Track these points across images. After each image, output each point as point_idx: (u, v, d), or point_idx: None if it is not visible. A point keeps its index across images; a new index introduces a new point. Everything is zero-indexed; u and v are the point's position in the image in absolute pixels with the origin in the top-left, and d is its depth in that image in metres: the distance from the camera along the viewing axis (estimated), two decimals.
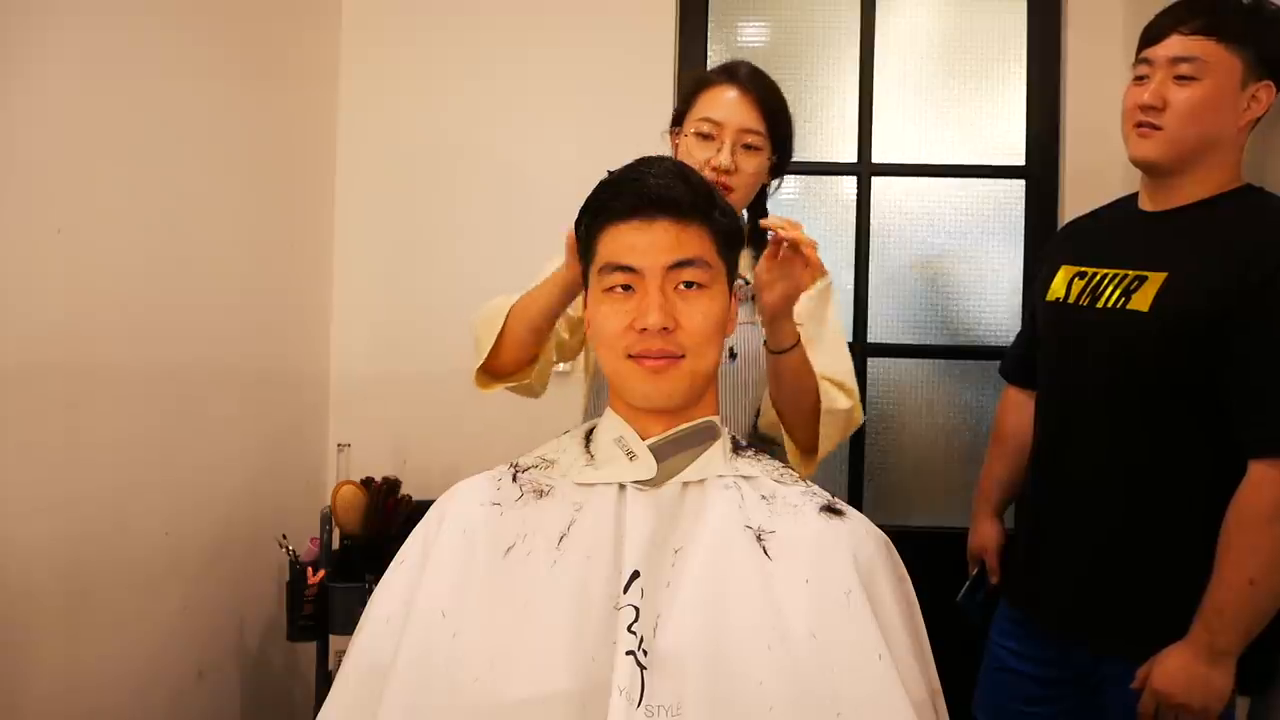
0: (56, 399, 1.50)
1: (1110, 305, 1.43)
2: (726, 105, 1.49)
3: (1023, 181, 2.33)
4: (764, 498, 1.05)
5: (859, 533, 1.03)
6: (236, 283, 1.97)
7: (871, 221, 2.32)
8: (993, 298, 2.34)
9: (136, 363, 1.68)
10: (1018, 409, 1.73)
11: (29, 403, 1.45)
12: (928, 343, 2.34)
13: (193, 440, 1.84)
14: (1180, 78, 1.38)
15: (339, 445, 2.15)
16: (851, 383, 1.47)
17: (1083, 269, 1.52)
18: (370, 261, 2.36)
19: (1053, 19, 2.29)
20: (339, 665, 1.07)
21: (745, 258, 1.54)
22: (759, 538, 1.00)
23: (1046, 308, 1.58)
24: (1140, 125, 1.42)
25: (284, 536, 1.94)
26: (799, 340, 1.35)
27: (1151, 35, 1.43)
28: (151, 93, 1.70)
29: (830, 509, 1.04)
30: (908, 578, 1.07)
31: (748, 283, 1.51)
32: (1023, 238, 2.31)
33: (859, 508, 1.12)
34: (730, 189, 1.48)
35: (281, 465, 2.18)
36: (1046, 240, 2.28)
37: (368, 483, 2.02)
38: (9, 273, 1.40)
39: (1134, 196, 1.55)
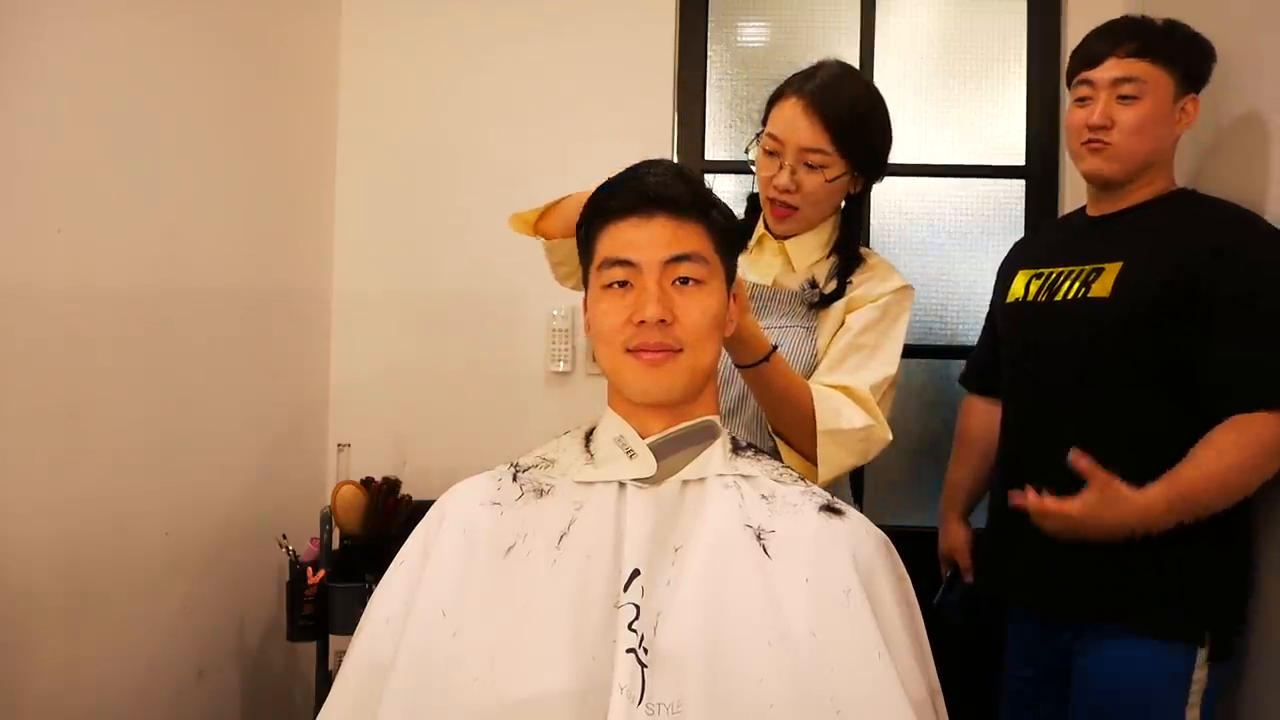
0: (56, 400, 1.50)
1: (1071, 297, 1.53)
2: (787, 122, 1.43)
3: (1023, 181, 2.33)
4: (764, 497, 1.05)
5: (858, 532, 1.03)
6: (237, 282, 1.97)
7: (871, 222, 2.32)
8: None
9: (137, 363, 1.68)
10: (979, 414, 1.84)
11: (29, 403, 1.44)
12: (928, 343, 2.34)
13: (193, 440, 1.84)
14: (1123, 97, 1.50)
15: (339, 445, 2.15)
16: (873, 398, 1.39)
17: (1039, 270, 1.62)
18: (370, 261, 2.36)
19: (1053, 19, 2.29)
20: (339, 665, 1.07)
21: (826, 265, 1.51)
22: (759, 537, 1.00)
23: (1007, 310, 1.67)
24: (1090, 142, 1.53)
25: (284, 536, 1.94)
26: (768, 356, 1.30)
27: (1089, 58, 1.54)
28: (152, 93, 1.70)
29: (830, 508, 1.05)
30: (907, 577, 1.07)
31: (815, 286, 1.50)
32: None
33: (859, 508, 1.12)
34: (793, 206, 1.45)
35: (281, 465, 2.18)
36: None
37: (368, 483, 2.02)
38: (9, 273, 1.40)
39: (1079, 210, 1.68)
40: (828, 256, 1.52)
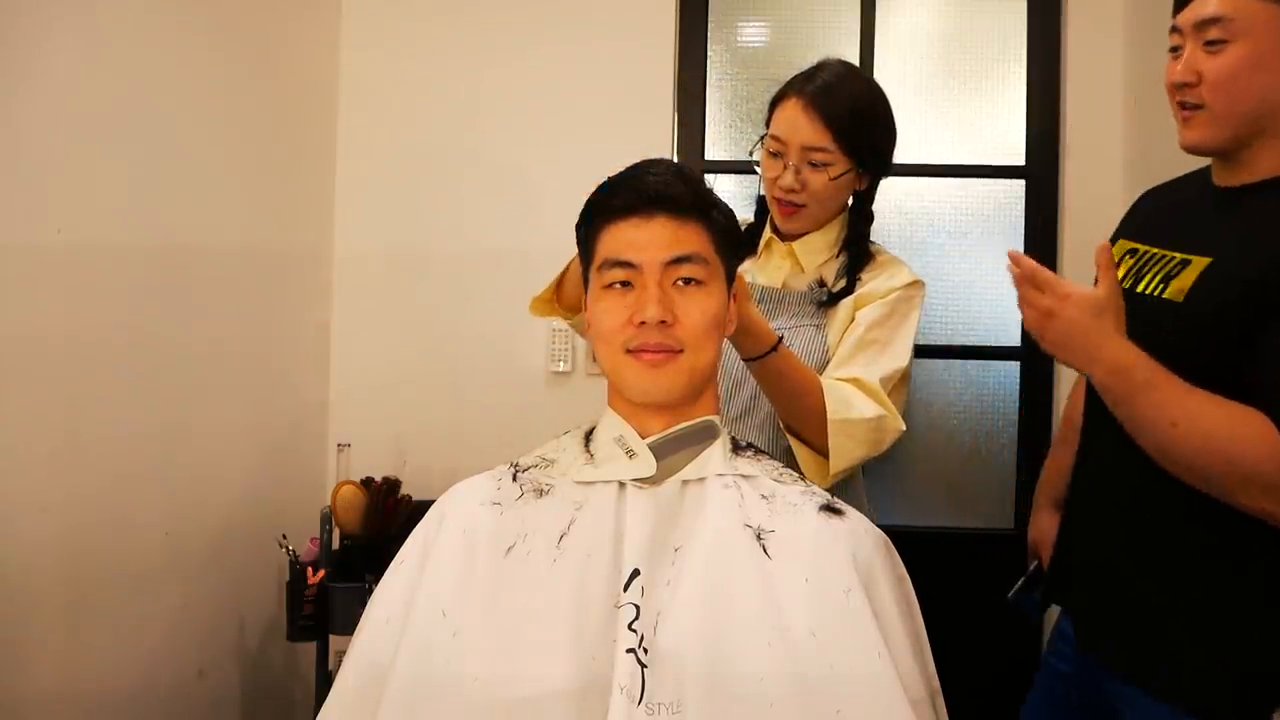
0: (56, 398, 1.50)
1: (1148, 291, 1.27)
2: (789, 122, 1.44)
3: (1023, 181, 2.32)
4: (764, 497, 1.05)
5: (858, 532, 1.03)
6: (237, 282, 1.97)
7: (872, 212, 2.32)
8: (993, 298, 2.33)
9: (136, 362, 1.68)
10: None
11: (29, 402, 1.45)
12: (928, 343, 2.34)
13: (193, 440, 1.84)
14: (1210, 43, 1.17)
15: (339, 445, 2.15)
16: (883, 390, 1.38)
17: (1135, 245, 1.36)
18: (370, 261, 2.36)
19: (1053, 19, 2.29)
20: (339, 665, 1.07)
21: (835, 264, 1.51)
22: (758, 536, 1.01)
23: None
24: (1181, 107, 1.22)
25: (284, 536, 1.94)
26: (774, 348, 1.29)
27: None
28: (152, 92, 1.70)
29: (829, 508, 1.05)
30: (907, 577, 1.07)
31: (823, 285, 1.50)
32: (1023, 238, 2.31)
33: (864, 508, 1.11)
34: (799, 204, 1.46)
35: (281, 465, 2.18)
36: (1046, 240, 2.30)
37: (368, 483, 2.02)
38: (9, 273, 1.40)
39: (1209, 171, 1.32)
40: (836, 255, 1.52)
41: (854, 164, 1.46)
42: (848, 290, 1.48)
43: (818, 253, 1.52)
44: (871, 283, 1.48)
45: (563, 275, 1.42)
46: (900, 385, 1.43)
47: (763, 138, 1.50)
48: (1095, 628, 1.32)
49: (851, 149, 1.44)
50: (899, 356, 1.43)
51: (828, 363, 1.45)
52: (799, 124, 1.43)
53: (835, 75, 1.46)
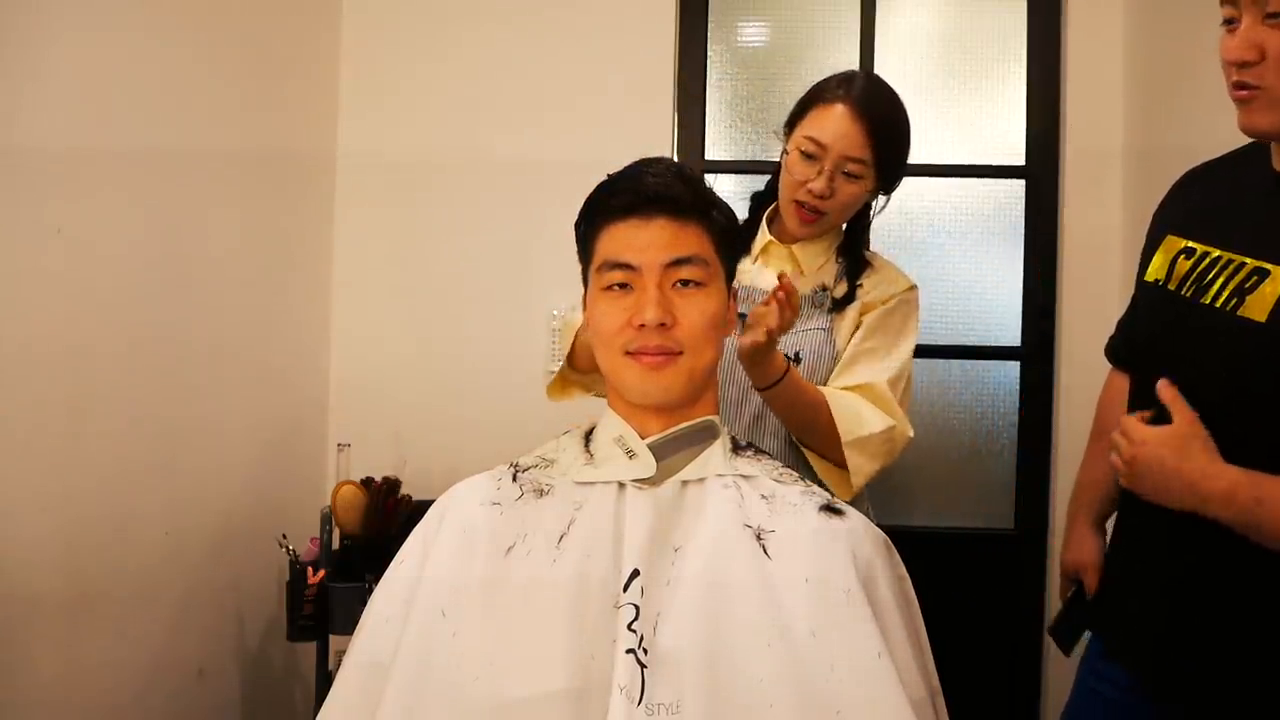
0: (56, 399, 1.50)
1: (1219, 305, 1.12)
2: (834, 127, 1.42)
3: (1023, 181, 2.32)
4: (763, 497, 1.05)
5: (858, 532, 1.03)
6: (237, 282, 1.97)
7: (872, 221, 2.32)
8: (993, 298, 2.34)
9: (136, 363, 1.68)
10: (1123, 395, 1.35)
11: (29, 403, 1.44)
12: (928, 343, 2.34)
13: (193, 440, 1.84)
14: (1272, 15, 1.01)
15: (339, 445, 2.15)
16: (892, 395, 1.40)
17: (1190, 244, 1.19)
18: (370, 261, 2.36)
19: (1053, 19, 2.29)
20: (339, 665, 1.07)
21: (832, 268, 1.53)
22: (758, 537, 1.00)
23: (1145, 289, 1.26)
24: (1237, 87, 1.06)
25: (284, 536, 1.94)
26: (784, 375, 1.32)
27: None
28: (152, 92, 1.70)
29: (829, 508, 1.04)
30: (907, 577, 1.07)
31: (826, 290, 1.51)
32: (1023, 238, 2.31)
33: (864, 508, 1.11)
34: (822, 212, 1.45)
35: (281, 465, 2.18)
36: (1046, 240, 2.29)
37: (368, 483, 2.02)
38: (9, 273, 1.40)
39: (1266, 150, 1.15)
40: (834, 260, 1.53)
41: (879, 180, 1.47)
42: (850, 297, 1.50)
43: (817, 256, 1.53)
44: (874, 290, 1.50)
45: (571, 344, 1.44)
46: (906, 388, 1.45)
47: (788, 134, 1.49)
48: (1169, 684, 1.17)
49: (883, 165, 1.45)
50: (902, 359, 1.45)
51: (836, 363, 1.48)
52: (846, 131, 1.41)
53: (878, 89, 1.46)
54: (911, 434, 1.42)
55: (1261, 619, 1.10)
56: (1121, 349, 1.43)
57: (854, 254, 1.53)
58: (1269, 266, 1.08)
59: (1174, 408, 1.09)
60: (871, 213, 1.55)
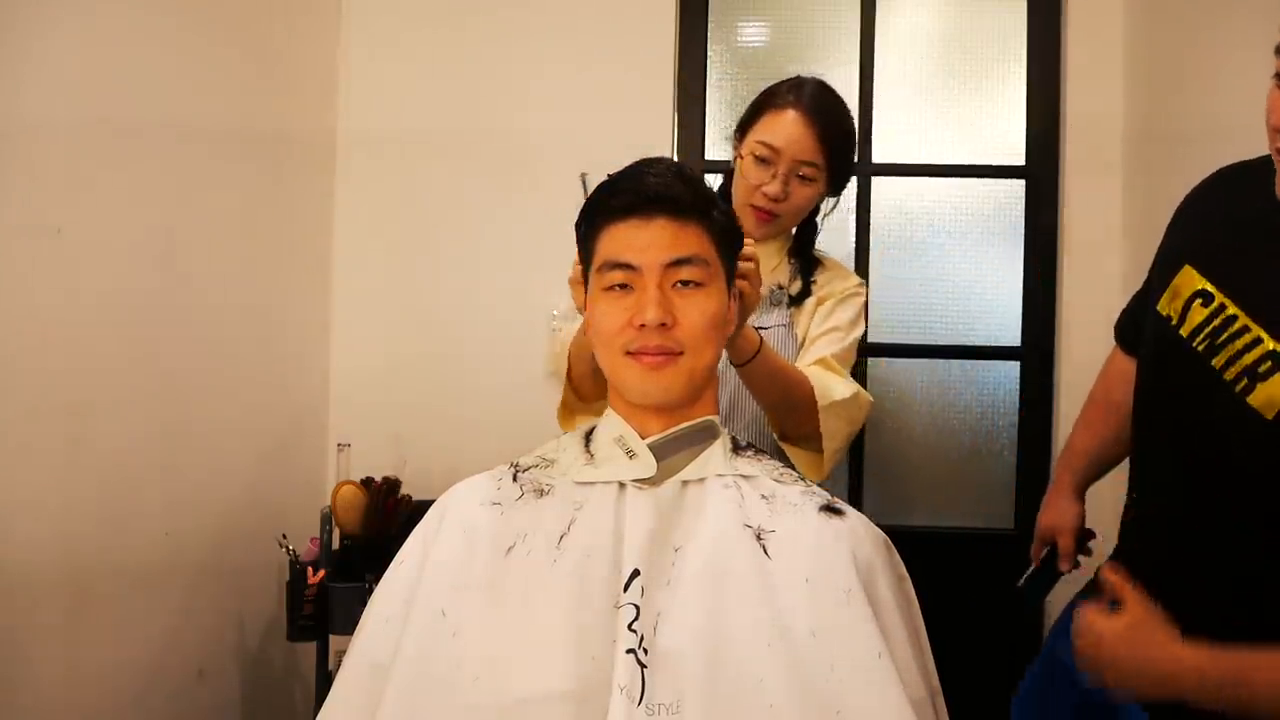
0: (56, 399, 1.50)
1: (1229, 379, 1.04)
2: (786, 132, 1.48)
3: (1023, 181, 2.32)
4: (764, 497, 1.05)
5: (858, 532, 1.03)
6: (237, 282, 1.97)
7: (871, 221, 2.32)
8: (993, 298, 2.34)
9: (136, 363, 1.68)
10: (1124, 374, 1.33)
11: (29, 403, 1.44)
12: (927, 343, 2.34)
13: (193, 440, 1.84)
14: None
15: (339, 445, 2.15)
16: (843, 366, 1.50)
17: (1207, 289, 1.10)
18: (370, 260, 2.36)
19: (1053, 19, 2.29)
20: (339, 665, 1.07)
21: (786, 268, 1.59)
22: (759, 537, 1.01)
23: (1156, 320, 1.18)
24: None
25: (284, 536, 1.94)
26: (760, 348, 1.34)
27: None
28: (151, 91, 1.70)
29: (830, 508, 1.05)
30: (907, 577, 1.07)
31: (782, 288, 1.57)
32: (1023, 238, 2.31)
33: (859, 508, 1.12)
34: (776, 215, 1.51)
35: (281, 465, 2.18)
36: (1046, 240, 2.29)
37: (368, 483, 2.02)
38: (9, 273, 1.40)
39: None
40: (786, 261, 1.60)
41: (830, 182, 1.53)
42: (806, 291, 1.58)
43: (770, 258, 1.58)
44: (828, 285, 1.58)
45: (567, 361, 1.46)
46: (851, 360, 1.55)
47: (742, 131, 1.55)
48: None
49: (834, 168, 1.52)
50: (853, 344, 1.55)
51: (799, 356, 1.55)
52: (799, 135, 1.48)
53: (827, 94, 1.53)
54: (871, 399, 1.51)
55: (1262, 618, 1.06)
56: (1129, 329, 1.39)
57: (806, 254, 1.61)
58: None
59: (1122, 595, 1.03)
60: (820, 214, 1.62)
